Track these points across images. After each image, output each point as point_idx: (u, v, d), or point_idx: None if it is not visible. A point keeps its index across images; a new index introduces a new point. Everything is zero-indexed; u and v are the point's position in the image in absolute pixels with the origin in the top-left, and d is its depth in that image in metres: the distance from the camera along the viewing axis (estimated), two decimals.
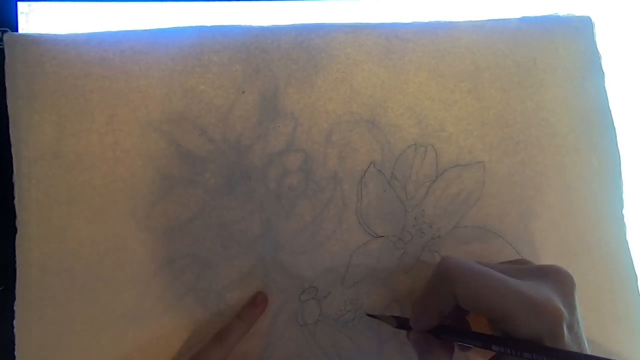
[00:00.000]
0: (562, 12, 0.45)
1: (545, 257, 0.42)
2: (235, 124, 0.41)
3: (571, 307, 0.32)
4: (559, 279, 0.33)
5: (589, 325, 0.42)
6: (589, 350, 0.32)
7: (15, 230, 0.39)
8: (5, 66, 0.40)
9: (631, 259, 0.43)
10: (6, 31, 0.41)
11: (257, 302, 0.40)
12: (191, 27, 0.42)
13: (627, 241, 0.43)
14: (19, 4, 0.41)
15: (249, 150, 0.41)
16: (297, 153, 0.42)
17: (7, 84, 0.40)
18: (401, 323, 0.38)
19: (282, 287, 0.41)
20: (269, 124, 0.42)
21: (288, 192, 0.41)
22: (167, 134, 0.41)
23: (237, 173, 0.41)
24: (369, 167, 0.42)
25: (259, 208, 0.41)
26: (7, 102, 0.39)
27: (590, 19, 0.45)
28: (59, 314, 0.39)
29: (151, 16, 0.43)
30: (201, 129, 0.41)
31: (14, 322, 0.39)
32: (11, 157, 0.40)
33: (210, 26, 0.42)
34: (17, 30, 0.41)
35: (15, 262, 0.39)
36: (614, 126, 0.45)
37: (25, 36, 0.40)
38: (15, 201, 0.39)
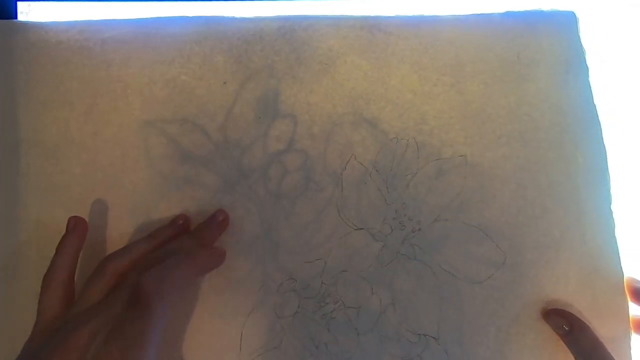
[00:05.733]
0: (546, 7, 0.45)
1: (526, 252, 0.42)
2: (217, 115, 0.41)
3: None
4: None
5: None
6: None
7: None
8: None
9: (618, 255, 0.43)
10: None
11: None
12: (173, 17, 0.42)
13: (615, 237, 0.43)
14: (19, 4, 0.42)
15: (246, 149, 0.41)
16: (277, 143, 0.42)
17: None
18: None
19: None
20: (250, 114, 0.42)
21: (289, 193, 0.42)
22: (167, 133, 0.41)
23: (237, 172, 0.41)
24: (349, 159, 0.42)
25: (258, 208, 0.41)
26: None
27: (574, 14, 0.45)
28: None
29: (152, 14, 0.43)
30: (201, 129, 0.41)
31: None
32: None
33: (192, 17, 0.42)
34: None
35: None
36: (599, 121, 0.44)
37: (4, 23, 0.40)
38: None
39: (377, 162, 0.42)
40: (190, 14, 0.42)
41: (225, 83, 0.42)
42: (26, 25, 0.40)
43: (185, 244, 0.37)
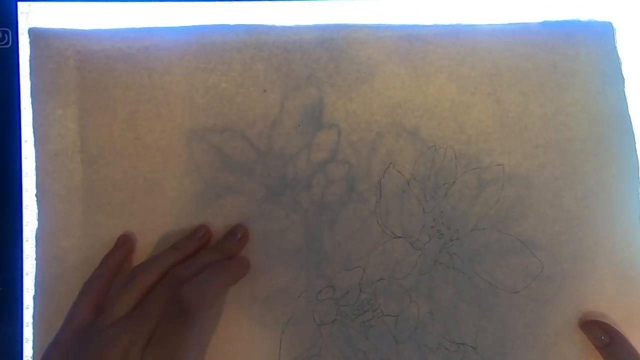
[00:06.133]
0: (583, 17, 0.45)
1: (563, 262, 0.42)
2: (257, 123, 0.42)
3: None
4: None
5: None
6: None
7: (15, 233, 0.40)
8: (29, 60, 0.40)
9: None
10: (7, 31, 0.41)
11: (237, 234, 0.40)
12: (214, 25, 0.42)
13: None
14: (19, 4, 0.41)
15: (290, 159, 0.42)
16: (321, 153, 0.42)
17: (30, 78, 0.40)
18: None
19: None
20: (289, 122, 0.42)
21: (333, 202, 0.42)
22: (209, 140, 0.41)
23: (282, 182, 0.41)
24: (388, 167, 0.42)
25: (302, 218, 0.41)
26: (31, 96, 0.40)
27: (612, 24, 0.45)
28: None
29: (152, 16, 0.43)
30: (243, 137, 0.41)
31: (34, 314, 0.39)
32: (16, 157, 0.40)
33: (233, 25, 0.42)
34: (17, 31, 0.41)
35: (15, 263, 0.40)
36: (633, 132, 0.44)
37: (50, 31, 0.40)
38: (36, 194, 0.40)
39: (415, 171, 0.42)
40: (227, 20, 0.43)
41: (265, 91, 0.42)
42: (71, 32, 0.40)
43: (213, 257, 0.38)
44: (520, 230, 0.43)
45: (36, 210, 0.39)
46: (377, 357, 0.41)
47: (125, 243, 0.39)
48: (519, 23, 0.45)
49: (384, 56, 0.43)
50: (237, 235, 0.40)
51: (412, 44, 0.44)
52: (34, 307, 0.39)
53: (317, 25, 0.43)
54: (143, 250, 0.40)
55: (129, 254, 0.40)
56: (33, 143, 0.39)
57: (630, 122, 0.45)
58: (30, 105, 0.40)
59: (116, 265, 0.38)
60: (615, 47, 0.45)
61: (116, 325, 0.33)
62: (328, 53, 0.43)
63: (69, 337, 0.34)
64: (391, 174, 0.42)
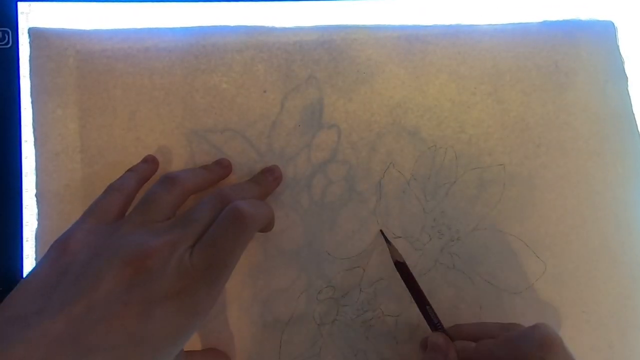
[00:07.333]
0: (584, 16, 0.45)
1: (566, 262, 0.42)
2: (257, 124, 0.42)
3: None
4: None
5: (610, 331, 0.42)
6: None
7: (15, 233, 0.40)
8: (29, 60, 0.40)
9: None
10: (7, 31, 0.41)
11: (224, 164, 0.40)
12: (214, 26, 0.42)
13: None
14: (19, 4, 0.41)
15: (291, 159, 0.42)
16: (321, 153, 0.42)
17: (30, 78, 0.40)
18: (430, 319, 0.38)
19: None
20: (289, 122, 0.42)
21: (333, 202, 0.42)
22: (209, 141, 0.41)
23: (281, 182, 0.41)
24: (388, 167, 0.42)
25: (302, 218, 0.41)
26: (31, 96, 0.40)
27: (613, 23, 0.45)
28: None
29: (153, 16, 0.43)
30: (243, 137, 0.41)
31: None
32: (16, 157, 0.40)
33: (234, 26, 0.43)
34: (17, 31, 0.41)
35: (15, 263, 0.40)
36: (638, 130, 0.44)
37: (50, 30, 0.41)
38: (36, 194, 0.40)
39: (415, 171, 0.42)
40: (227, 21, 0.43)
41: (265, 92, 0.42)
42: (71, 32, 0.41)
43: (255, 188, 0.38)
44: (522, 231, 0.42)
45: (36, 210, 0.39)
46: (377, 357, 0.40)
47: (154, 160, 0.39)
48: (519, 23, 0.45)
49: (384, 56, 0.43)
50: (274, 173, 0.40)
51: (412, 44, 0.44)
52: None
53: (317, 26, 0.43)
54: None
55: (153, 171, 0.38)
56: (33, 143, 0.40)
57: (635, 121, 0.44)
58: (30, 105, 0.40)
59: (145, 175, 0.37)
60: (617, 45, 0.45)
61: (159, 225, 0.31)
62: (328, 54, 0.43)
63: (92, 227, 0.31)
64: (391, 174, 0.42)
